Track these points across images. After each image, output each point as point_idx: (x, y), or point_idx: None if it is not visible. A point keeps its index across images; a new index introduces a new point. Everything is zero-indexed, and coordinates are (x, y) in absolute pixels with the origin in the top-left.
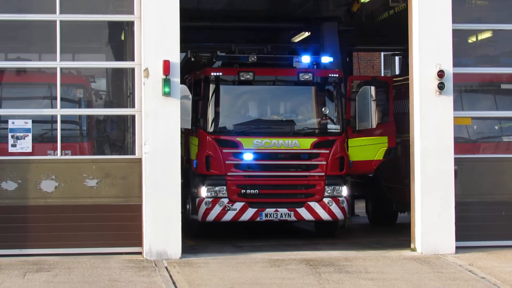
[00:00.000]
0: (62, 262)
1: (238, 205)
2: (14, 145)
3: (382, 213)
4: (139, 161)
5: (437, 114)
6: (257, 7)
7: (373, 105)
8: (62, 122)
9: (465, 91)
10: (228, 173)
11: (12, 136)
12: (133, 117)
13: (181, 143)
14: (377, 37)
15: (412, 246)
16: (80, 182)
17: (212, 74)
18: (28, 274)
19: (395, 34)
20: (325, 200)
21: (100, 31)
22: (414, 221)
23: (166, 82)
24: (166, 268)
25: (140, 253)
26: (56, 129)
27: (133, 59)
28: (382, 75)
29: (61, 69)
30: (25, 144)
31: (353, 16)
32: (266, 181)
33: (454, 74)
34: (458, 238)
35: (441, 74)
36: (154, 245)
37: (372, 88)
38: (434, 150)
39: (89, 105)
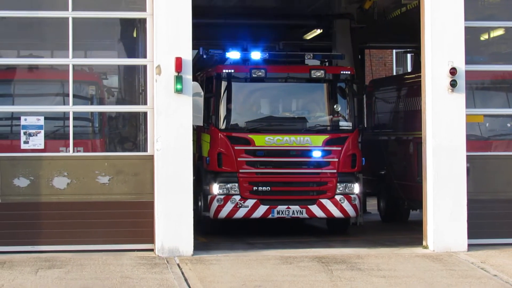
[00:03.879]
0: (74, 259)
1: (250, 202)
2: (26, 142)
3: (394, 210)
4: (151, 158)
5: (449, 112)
6: (269, 4)
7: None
8: (74, 119)
9: (477, 88)
10: (240, 170)
11: (25, 133)
12: (145, 114)
13: (193, 140)
14: (389, 35)
15: (424, 243)
16: (92, 179)
17: (224, 71)
18: (40, 270)
19: (407, 31)
20: (337, 197)
21: (112, 28)
22: (426, 218)
23: (178, 79)
24: (178, 265)
25: (152, 250)
26: (68, 126)
27: (145, 56)
28: (394, 72)
29: (74, 66)
30: (38, 141)
31: (365, 14)
32: (278, 178)
33: (467, 72)
34: (470, 235)
35: (453, 71)
36: (166, 242)
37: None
38: (446, 147)
39: (101, 102)
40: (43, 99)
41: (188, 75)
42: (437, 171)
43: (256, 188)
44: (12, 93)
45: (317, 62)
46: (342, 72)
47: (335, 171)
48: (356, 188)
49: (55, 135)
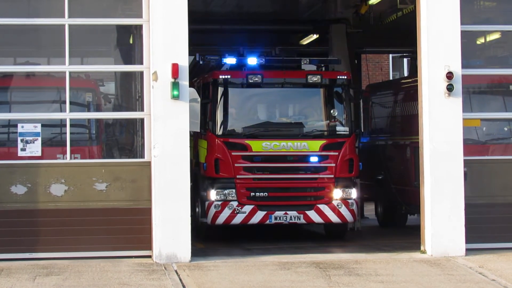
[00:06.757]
0: (72, 266)
1: (248, 208)
2: (23, 149)
3: (392, 215)
4: (148, 164)
5: (446, 116)
6: (265, 10)
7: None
8: (71, 126)
9: (474, 92)
10: (237, 176)
11: (22, 140)
12: (142, 120)
13: (190, 146)
14: (386, 39)
15: (422, 248)
16: (90, 185)
17: (221, 77)
18: (38, 278)
19: (403, 36)
20: (335, 202)
21: (108, 34)
22: (424, 223)
23: (175, 85)
24: (176, 271)
25: (149, 256)
26: (65, 133)
27: (141, 63)
28: (391, 77)
29: (70, 73)
30: (35, 148)
31: (361, 18)
32: (275, 184)
33: (463, 76)
34: (468, 240)
35: (449, 75)
36: (164, 249)
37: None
38: (443, 152)
39: (98, 108)
40: (40, 106)
41: (184, 81)
42: (434, 175)
43: (254, 194)
44: (8, 100)
45: (313, 67)
46: (338, 77)
47: (332, 176)
48: (354, 193)
49: (52, 142)
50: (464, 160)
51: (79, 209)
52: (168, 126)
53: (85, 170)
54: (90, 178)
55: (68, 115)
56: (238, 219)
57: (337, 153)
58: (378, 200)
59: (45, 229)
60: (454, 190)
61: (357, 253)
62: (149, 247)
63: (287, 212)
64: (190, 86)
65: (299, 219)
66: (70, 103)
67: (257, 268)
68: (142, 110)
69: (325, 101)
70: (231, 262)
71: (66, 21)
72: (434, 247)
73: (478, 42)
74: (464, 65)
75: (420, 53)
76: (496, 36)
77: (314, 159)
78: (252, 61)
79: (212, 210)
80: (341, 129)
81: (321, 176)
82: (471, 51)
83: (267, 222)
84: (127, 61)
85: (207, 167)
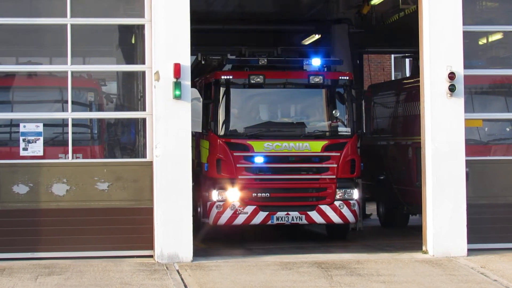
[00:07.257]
0: (74, 266)
1: (249, 209)
2: (25, 149)
3: (394, 215)
4: (150, 164)
5: (448, 116)
6: (267, 10)
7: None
8: (73, 125)
9: (476, 92)
10: (239, 177)
11: (24, 140)
12: (144, 120)
13: (192, 146)
14: (388, 39)
15: (423, 248)
16: (92, 185)
17: (223, 77)
18: (40, 277)
19: (405, 36)
20: (336, 203)
21: (110, 34)
22: (426, 223)
23: (177, 85)
24: (178, 271)
25: (151, 256)
26: (67, 133)
27: (143, 62)
28: (393, 77)
29: (72, 72)
30: (37, 148)
31: (364, 19)
32: (277, 185)
33: (465, 76)
34: (470, 240)
35: (452, 76)
36: (166, 248)
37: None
38: (445, 152)
39: (100, 108)
40: (42, 106)
41: (186, 81)
42: (436, 175)
43: (255, 194)
44: (11, 100)
45: (315, 68)
46: (340, 77)
47: (334, 176)
48: (355, 193)
49: (54, 142)
50: (466, 160)
51: (81, 208)
52: (170, 126)
53: (87, 169)
54: (92, 177)
55: (70, 115)
56: (240, 219)
57: (339, 154)
58: (380, 200)
59: (47, 228)
60: (456, 190)
61: (359, 253)
62: (151, 247)
63: (289, 212)
64: (192, 86)
65: (301, 220)
66: (72, 102)
67: (259, 268)
68: (144, 110)
69: (327, 102)
70: (233, 262)
71: (68, 20)
72: (436, 247)
73: (480, 43)
74: (466, 66)
75: (422, 53)
76: (498, 36)
77: (316, 159)
78: (254, 61)
79: (214, 211)
80: (343, 130)
81: (323, 176)
82: (473, 51)
83: (269, 222)
84: (129, 61)
85: (209, 168)
